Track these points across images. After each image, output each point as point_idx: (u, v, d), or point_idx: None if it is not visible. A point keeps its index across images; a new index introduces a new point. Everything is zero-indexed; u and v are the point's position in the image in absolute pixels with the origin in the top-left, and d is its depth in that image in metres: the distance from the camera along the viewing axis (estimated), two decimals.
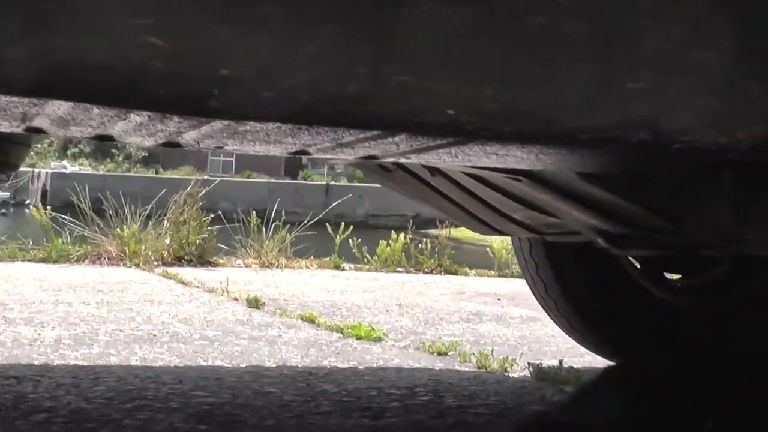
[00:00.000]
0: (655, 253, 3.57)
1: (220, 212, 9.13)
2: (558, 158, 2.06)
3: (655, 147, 1.85)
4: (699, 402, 2.27)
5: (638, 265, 4.12)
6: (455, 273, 8.81)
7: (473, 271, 8.93)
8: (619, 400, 2.32)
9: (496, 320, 5.60)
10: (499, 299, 6.83)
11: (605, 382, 2.47)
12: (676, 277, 4.26)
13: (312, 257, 8.76)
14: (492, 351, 4.12)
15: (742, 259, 4.04)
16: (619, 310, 3.95)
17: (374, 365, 3.86)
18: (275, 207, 8.85)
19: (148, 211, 8.46)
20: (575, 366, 3.78)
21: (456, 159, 2.08)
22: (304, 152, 2.08)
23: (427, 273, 8.77)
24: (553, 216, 2.96)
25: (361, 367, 3.79)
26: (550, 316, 4.09)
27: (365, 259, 8.88)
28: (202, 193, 8.54)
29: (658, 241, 3.02)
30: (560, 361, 3.83)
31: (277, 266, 8.38)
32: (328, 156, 2.18)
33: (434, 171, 2.98)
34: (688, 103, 1.80)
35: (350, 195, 24.70)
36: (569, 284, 3.93)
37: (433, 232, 10.13)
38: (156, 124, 1.78)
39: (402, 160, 2.33)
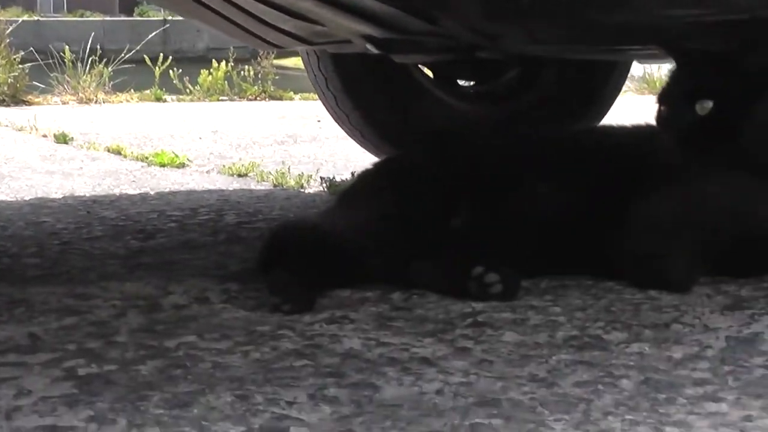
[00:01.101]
0: (429, 57, 3.56)
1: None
2: None
3: None
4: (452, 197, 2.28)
5: (431, 74, 4.12)
6: (280, 98, 8.71)
7: (298, 96, 8.83)
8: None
9: (311, 141, 5.56)
10: (319, 121, 6.77)
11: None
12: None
13: (132, 91, 8.53)
14: (289, 168, 4.08)
15: (530, 64, 4.07)
16: (411, 119, 3.94)
17: (166, 190, 3.79)
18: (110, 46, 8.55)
19: None
20: None
21: None
22: None
23: (251, 100, 8.65)
24: (319, 24, 2.89)
25: (152, 193, 3.71)
26: (344, 130, 4.07)
27: (187, 90, 8.70)
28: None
29: (427, 44, 3.00)
30: (353, 173, 3.81)
31: (96, 102, 8.15)
32: None
33: None
34: None
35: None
36: (360, 96, 3.90)
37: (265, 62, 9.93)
38: None
39: None
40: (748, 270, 2.21)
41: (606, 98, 4.22)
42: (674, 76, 2.31)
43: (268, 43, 3.24)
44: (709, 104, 2.16)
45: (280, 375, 1.64)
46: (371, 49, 2.99)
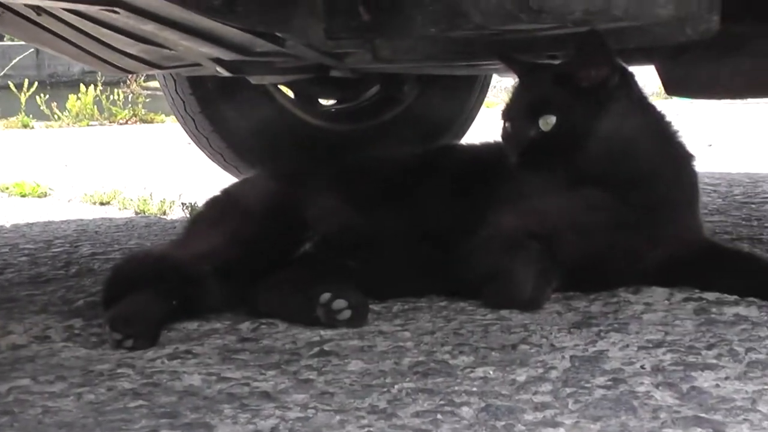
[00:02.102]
0: (283, 77, 3.52)
1: None
2: None
3: None
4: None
5: (292, 94, 4.08)
6: (151, 122, 8.59)
7: (171, 118, 8.70)
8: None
9: (177, 165, 5.47)
10: (189, 143, 6.67)
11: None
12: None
13: None
14: (151, 195, 4.00)
15: (391, 81, 4.06)
16: (272, 140, 3.90)
17: (23, 222, 3.68)
18: None
19: None
20: None
21: None
22: None
23: (122, 124, 8.52)
24: (166, 48, 2.83)
25: (7, 225, 3.60)
26: (205, 154, 4.00)
27: (56, 116, 8.52)
28: None
29: (277, 65, 2.96)
30: None
31: None
32: None
33: (38, 10, 2.79)
34: None
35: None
36: (218, 119, 3.84)
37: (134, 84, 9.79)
38: None
39: None
40: (597, 285, 2.21)
41: (468, 113, 4.23)
42: (517, 92, 2.29)
43: (117, 68, 3.16)
44: (553, 119, 2.14)
45: (111, 418, 1.57)
46: (222, 71, 2.94)
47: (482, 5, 2.06)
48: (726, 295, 2.13)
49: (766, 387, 1.58)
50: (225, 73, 2.94)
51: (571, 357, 1.77)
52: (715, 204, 3.69)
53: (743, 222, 3.24)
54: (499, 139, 2.31)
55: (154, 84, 11.22)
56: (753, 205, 3.68)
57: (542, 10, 2.04)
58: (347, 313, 2.02)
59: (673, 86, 3.39)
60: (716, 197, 3.90)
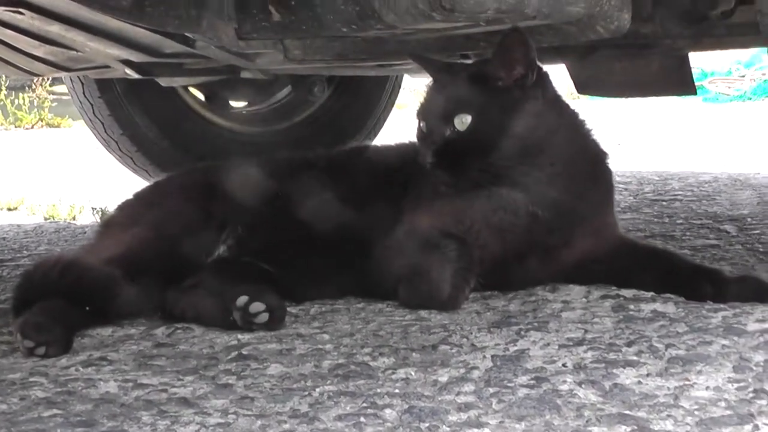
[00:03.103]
0: (193, 79, 3.48)
1: None
2: None
3: None
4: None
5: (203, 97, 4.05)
6: (58, 126, 8.45)
7: (79, 122, 8.57)
8: None
9: (87, 169, 5.39)
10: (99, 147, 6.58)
11: None
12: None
13: None
14: (60, 200, 3.92)
15: (302, 83, 4.05)
16: (183, 143, 3.86)
17: None
18: None
19: None
20: None
21: None
22: None
23: (28, 129, 8.37)
24: (73, 50, 2.77)
25: None
26: (115, 157, 3.94)
27: None
28: None
29: (188, 66, 2.92)
30: None
31: None
32: None
33: None
34: None
35: None
36: (127, 122, 3.80)
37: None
38: None
39: None
40: (515, 284, 2.21)
41: (379, 114, 4.24)
42: (432, 91, 2.27)
43: (23, 70, 3.10)
44: (468, 119, 2.13)
45: (26, 428, 1.52)
46: (131, 73, 2.89)
47: (394, 4, 2.04)
48: (643, 291, 2.15)
49: (687, 383, 1.59)
50: (134, 75, 2.89)
51: (492, 356, 1.77)
52: (627, 202, 3.73)
53: (655, 219, 3.28)
54: (413, 139, 2.30)
55: (61, 88, 11.06)
56: (663, 203, 3.73)
57: (455, 9, 2.03)
58: (265, 316, 1.99)
59: (583, 85, 3.42)
60: (628, 195, 3.95)
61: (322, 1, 2.15)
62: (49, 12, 2.45)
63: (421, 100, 2.28)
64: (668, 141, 6.55)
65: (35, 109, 8.58)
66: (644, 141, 6.58)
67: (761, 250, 2.65)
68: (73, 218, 3.77)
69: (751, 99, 12.34)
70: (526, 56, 2.16)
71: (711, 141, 6.71)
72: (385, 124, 4.29)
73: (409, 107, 7.38)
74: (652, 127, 8.19)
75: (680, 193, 4.02)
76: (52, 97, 8.88)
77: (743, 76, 12.70)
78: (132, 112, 3.79)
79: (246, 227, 2.25)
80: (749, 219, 3.24)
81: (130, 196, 2.44)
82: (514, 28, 2.16)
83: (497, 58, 2.17)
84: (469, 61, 2.53)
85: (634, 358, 1.73)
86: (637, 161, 5.19)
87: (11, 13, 2.47)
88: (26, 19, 2.52)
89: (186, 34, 2.36)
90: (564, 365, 1.71)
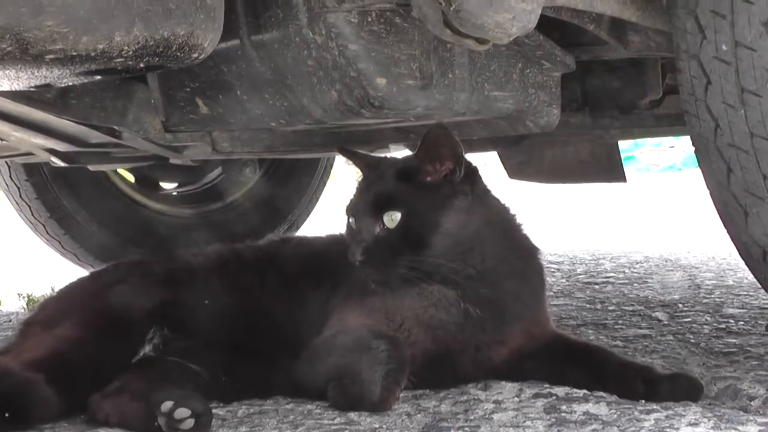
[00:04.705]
0: (121, 165, 3.45)
1: None
2: None
3: (24, 58, 1.65)
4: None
5: (132, 179, 4.01)
6: None
7: (3, 202, 8.45)
8: None
9: (13, 251, 5.29)
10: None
11: None
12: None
13: None
14: None
15: (232, 165, 4.04)
16: (112, 226, 3.82)
17: None
18: None
19: None
20: None
21: None
22: None
23: None
24: None
25: None
26: (42, 240, 3.88)
27: None
28: None
29: (114, 154, 2.88)
30: (52, 288, 3.62)
31: None
32: None
33: None
34: (47, 10, 1.60)
35: None
36: (55, 205, 3.74)
37: None
38: None
39: None
40: (446, 382, 2.18)
41: (312, 193, 4.23)
42: (361, 187, 2.24)
43: None
44: (398, 216, 2.11)
45: None
46: (57, 161, 2.85)
47: (322, 100, 2.02)
48: (575, 389, 2.12)
49: None
50: (60, 163, 2.85)
51: None
52: (559, 285, 3.72)
53: (587, 305, 3.27)
54: (343, 230, 2.27)
55: None
56: (596, 286, 3.73)
57: (383, 106, 2.01)
58: (190, 423, 1.93)
59: (514, 171, 3.44)
60: (560, 277, 3.94)
61: (250, 96, 2.13)
62: None
63: (351, 196, 2.25)
64: (601, 213, 6.59)
65: None
66: (577, 214, 6.61)
67: (692, 341, 2.64)
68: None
69: (680, 170, 12.53)
70: (453, 152, 2.14)
71: (643, 214, 6.76)
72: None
73: (342, 177, 7.38)
74: (585, 198, 8.25)
75: (612, 274, 4.02)
76: None
77: (672, 147, 12.92)
78: (59, 195, 3.74)
79: (171, 326, 2.19)
80: (680, 305, 3.24)
81: (53, 293, 2.38)
82: (438, 124, 2.15)
83: (423, 154, 2.15)
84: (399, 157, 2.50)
85: None
86: (569, 239, 5.20)
87: None
88: None
89: (112, 126, 2.33)
90: None
